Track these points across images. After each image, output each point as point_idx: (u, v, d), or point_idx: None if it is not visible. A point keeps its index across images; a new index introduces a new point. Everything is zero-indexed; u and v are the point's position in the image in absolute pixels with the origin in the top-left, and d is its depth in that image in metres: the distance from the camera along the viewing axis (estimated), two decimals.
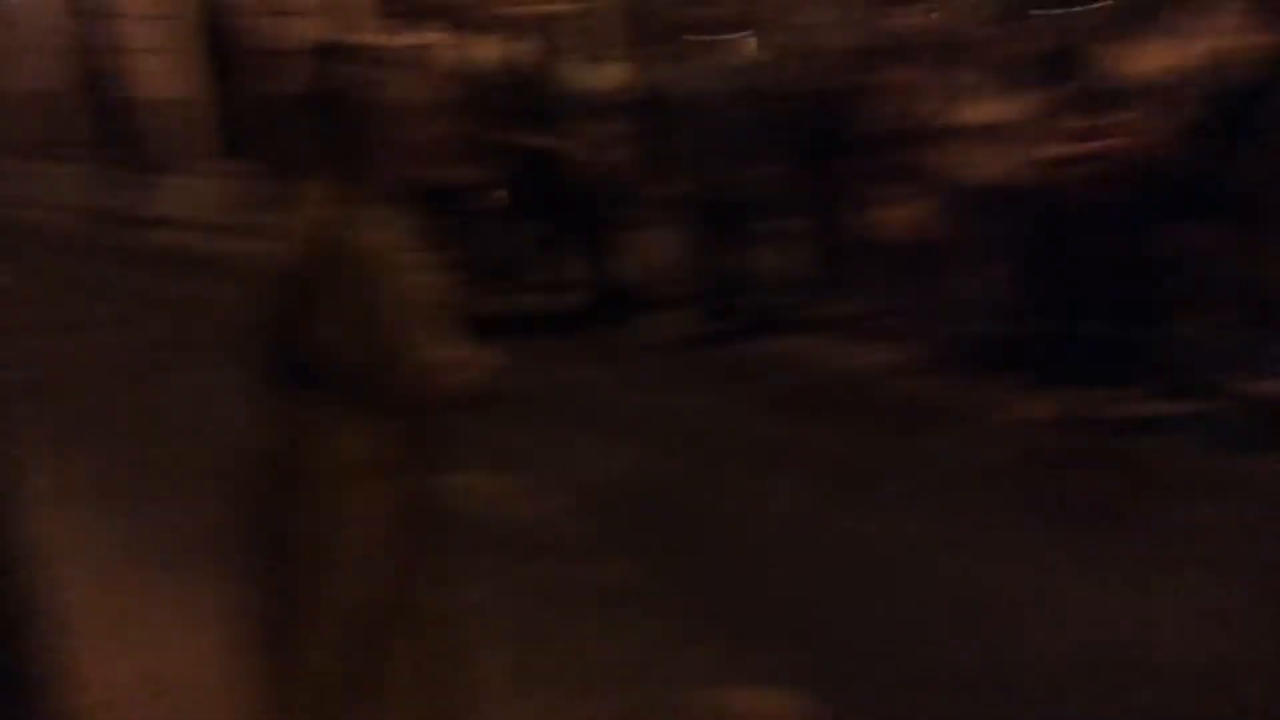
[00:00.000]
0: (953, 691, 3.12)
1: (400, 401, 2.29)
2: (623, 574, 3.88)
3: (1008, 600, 3.60)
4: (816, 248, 6.62)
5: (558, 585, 3.83)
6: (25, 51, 14.56)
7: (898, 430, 5.14)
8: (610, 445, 5.03)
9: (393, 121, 2.32)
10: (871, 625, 3.50)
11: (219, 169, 11.92)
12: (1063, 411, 5.01)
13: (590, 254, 6.81)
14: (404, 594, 2.45)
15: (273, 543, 2.33)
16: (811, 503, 4.40)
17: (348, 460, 2.29)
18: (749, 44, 6.60)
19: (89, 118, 13.30)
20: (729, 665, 3.32)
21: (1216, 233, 4.93)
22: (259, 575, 2.35)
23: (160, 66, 12.22)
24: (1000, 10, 5.66)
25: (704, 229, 6.27)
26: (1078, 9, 5.47)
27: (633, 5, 8.95)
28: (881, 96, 5.55)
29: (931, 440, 4.99)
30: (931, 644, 3.37)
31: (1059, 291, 5.05)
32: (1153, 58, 4.82)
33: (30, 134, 14.66)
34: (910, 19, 5.69)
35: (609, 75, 6.61)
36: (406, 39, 7.04)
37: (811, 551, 4.00)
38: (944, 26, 5.50)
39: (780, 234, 6.77)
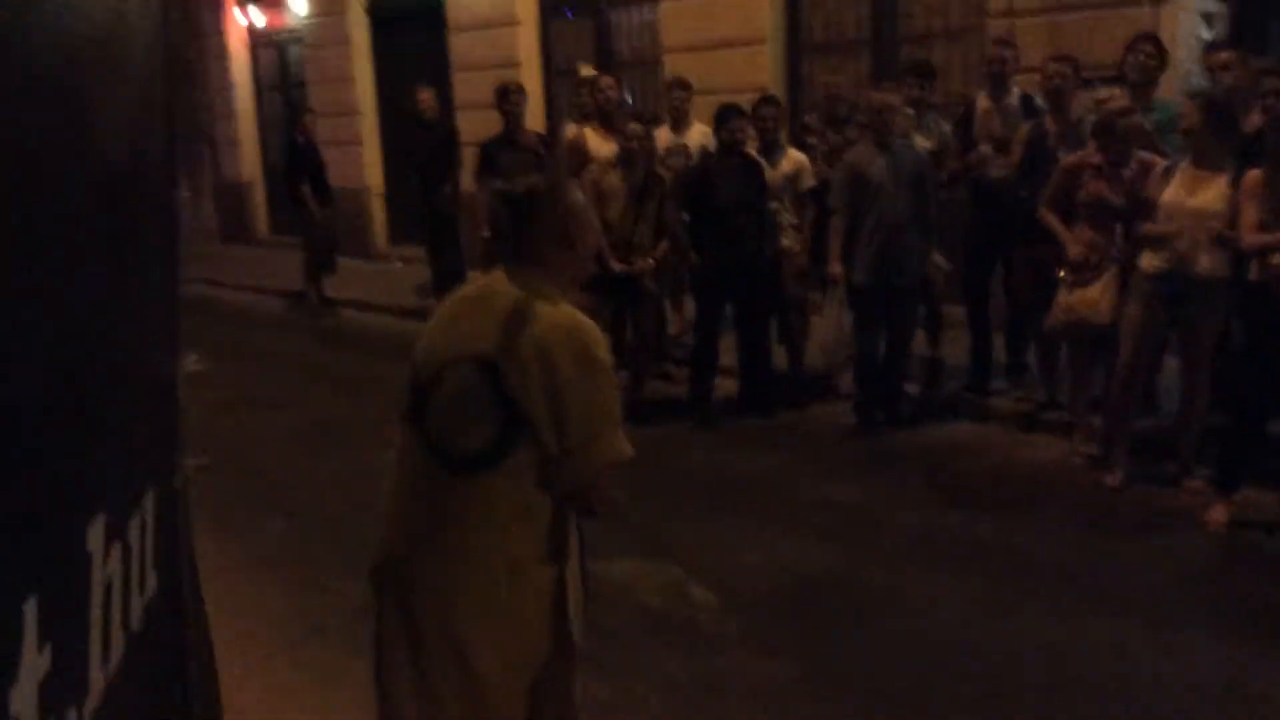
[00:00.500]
0: None
1: (574, 492, 2.34)
2: (785, 669, 3.80)
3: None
4: (992, 335, 6.50)
5: (718, 678, 3.77)
6: (226, 143, 15.65)
7: (1078, 526, 4.92)
8: (774, 536, 4.95)
9: (572, 216, 2.44)
10: None
11: (402, 255, 12.50)
12: (1249, 513, 4.76)
13: (765, 338, 6.79)
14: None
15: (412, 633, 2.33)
16: (983, 601, 4.23)
17: (517, 551, 2.31)
18: (930, 129, 6.54)
19: (281, 205, 14.18)
20: None
21: None
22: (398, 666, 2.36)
23: (346, 158, 12.94)
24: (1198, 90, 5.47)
25: (879, 315, 6.18)
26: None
27: (811, 93, 9.08)
28: (1066, 179, 5.40)
29: (1113, 538, 4.77)
30: None
31: (1252, 389, 4.80)
32: None
33: (228, 219, 15.70)
34: (1090, 103, 5.55)
35: (792, 160, 6.64)
36: (594, 134, 7.30)
37: (981, 651, 3.83)
38: (1124, 109, 5.32)
39: (958, 320, 6.69)
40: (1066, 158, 5.46)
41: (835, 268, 6.25)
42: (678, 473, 5.86)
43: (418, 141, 9.72)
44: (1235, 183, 4.78)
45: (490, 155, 7.71)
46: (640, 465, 6.08)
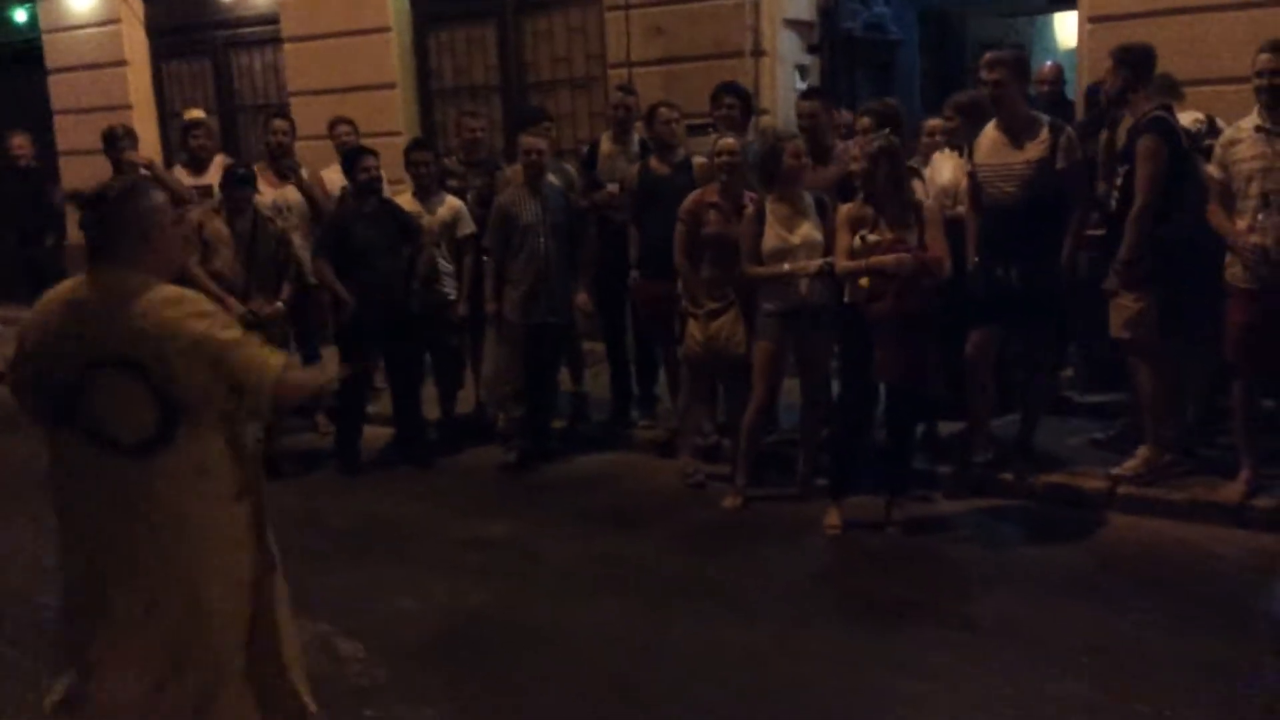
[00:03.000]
0: None
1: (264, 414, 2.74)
2: (436, 715, 3.73)
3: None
4: (629, 368, 6.79)
5: None
6: None
7: (716, 541, 5.19)
8: (427, 579, 4.87)
9: (149, 215, 2.64)
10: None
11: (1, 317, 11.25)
12: (859, 515, 5.24)
13: (415, 386, 6.68)
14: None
15: None
16: (630, 623, 4.36)
17: (209, 504, 2.65)
18: (557, 172, 6.71)
19: None
20: None
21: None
22: None
23: None
24: None
25: (525, 353, 6.27)
26: None
27: (445, 137, 9.09)
28: (689, 218, 5.69)
29: (746, 548, 5.07)
30: None
31: (853, 401, 5.29)
32: None
33: None
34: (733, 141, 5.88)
35: (450, 207, 6.60)
36: None
37: (631, 673, 3.95)
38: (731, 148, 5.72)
39: (598, 357, 6.95)
40: (687, 198, 5.77)
41: (491, 306, 6.32)
42: (325, 524, 5.65)
43: (12, 192, 8.84)
44: (821, 214, 5.30)
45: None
46: (286, 519, 5.80)
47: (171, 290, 2.61)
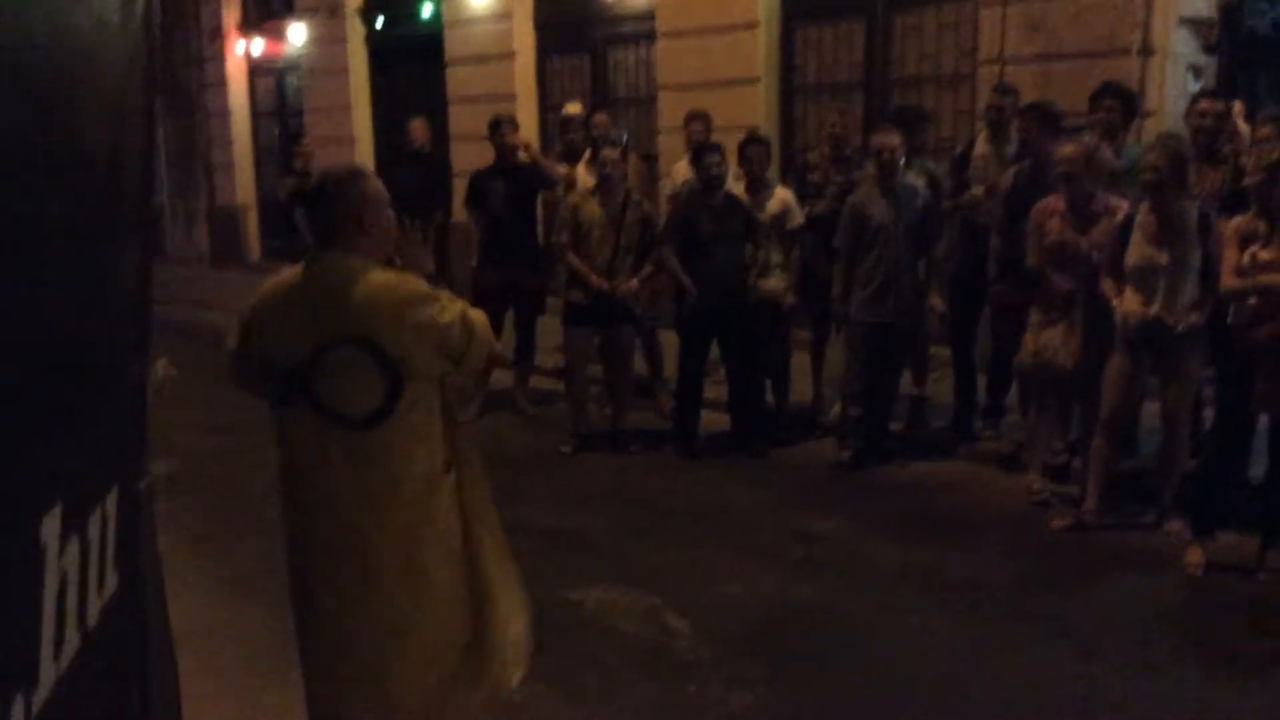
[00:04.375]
0: None
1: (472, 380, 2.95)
2: (754, 699, 3.79)
3: None
4: (974, 375, 6.55)
5: (686, 706, 3.75)
6: (221, 169, 15.73)
7: (1054, 566, 4.93)
8: (753, 567, 4.95)
9: (366, 202, 2.78)
10: None
11: None
12: (1226, 556, 4.78)
13: (754, 376, 6.82)
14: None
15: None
16: (956, 638, 4.23)
17: (426, 468, 2.81)
18: (920, 172, 6.59)
19: (272, 229, 14.24)
20: None
21: None
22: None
23: None
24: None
25: (867, 354, 6.23)
26: None
27: (804, 133, 9.18)
28: (1039, 225, 5.44)
29: (1089, 578, 4.78)
30: None
31: (1227, 432, 4.84)
32: None
33: (221, 244, 15.73)
34: (1073, 148, 5.59)
35: (779, 199, 6.67)
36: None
37: (953, 689, 3.83)
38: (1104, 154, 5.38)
39: (944, 362, 6.75)
40: (1037, 205, 5.51)
41: (838, 305, 6.33)
42: (659, 504, 5.86)
43: (406, 172, 9.77)
44: (1204, 230, 4.85)
45: (479, 185, 7.76)
46: (622, 495, 6.09)
47: (392, 274, 2.77)
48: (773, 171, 7.24)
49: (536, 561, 4.96)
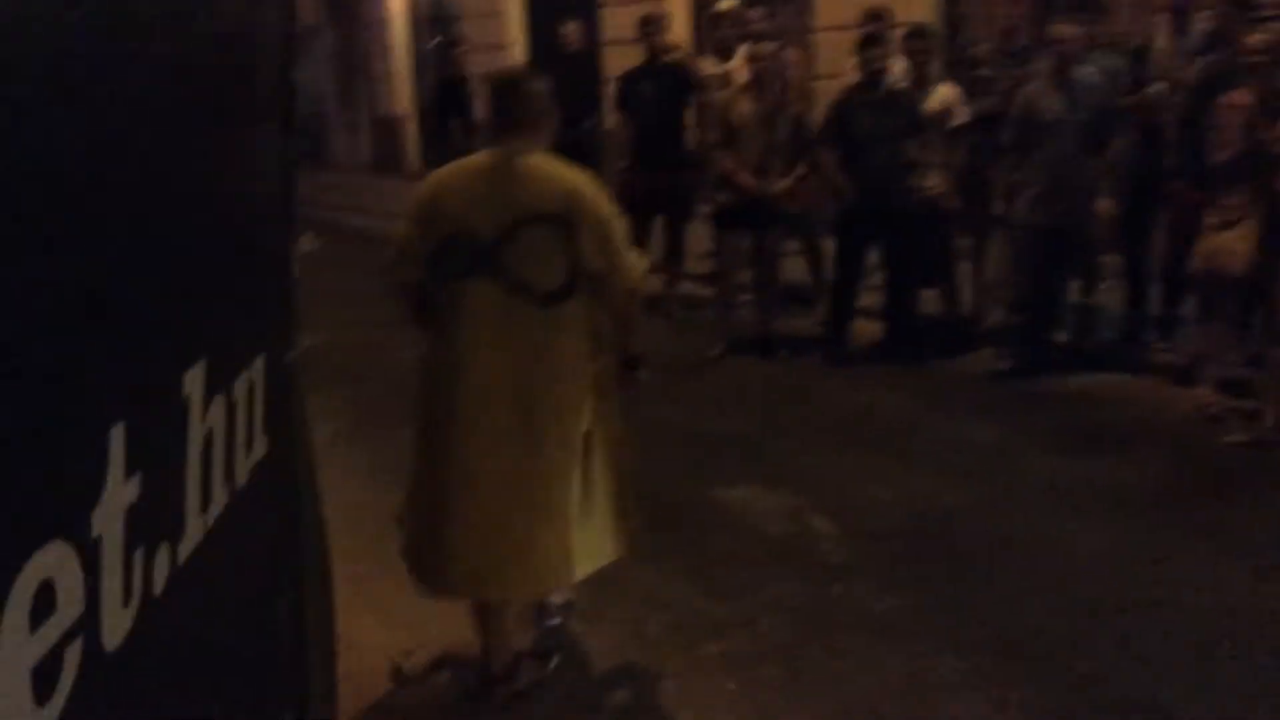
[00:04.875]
0: None
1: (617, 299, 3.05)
2: (899, 603, 3.71)
3: None
4: (1148, 283, 6.19)
5: (830, 606, 3.71)
6: (381, 78, 16.00)
7: (1224, 480, 4.66)
8: (904, 472, 4.83)
9: (547, 95, 3.07)
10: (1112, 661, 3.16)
11: None
12: None
13: (910, 281, 6.59)
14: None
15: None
16: (1114, 550, 4.04)
17: (588, 347, 3.06)
18: (1088, 69, 6.19)
19: (430, 139, 14.45)
20: (998, 710, 3.09)
21: None
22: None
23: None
24: None
25: (1033, 258, 5.94)
26: None
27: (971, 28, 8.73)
28: (1226, 121, 5.05)
29: (1252, 497, 4.50)
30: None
31: None
32: None
33: (382, 152, 16.09)
34: (1262, 37, 5.14)
35: (941, 97, 6.37)
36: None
37: (1108, 601, 3.67)
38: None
39: (1113, 267, 6.39)
40: (1223, 98, 5.10)
41: (1001, 204, 6.03)
42: (810, 409, 5.77)
43: (560, 76, 9.71)
44: None
45: (628, 86, 7.65)
46: (771, 399, 6.01)
47: (569, 167, 2.99)
48: (936, 67, 6.89)
49: (680, 461, 5.00)
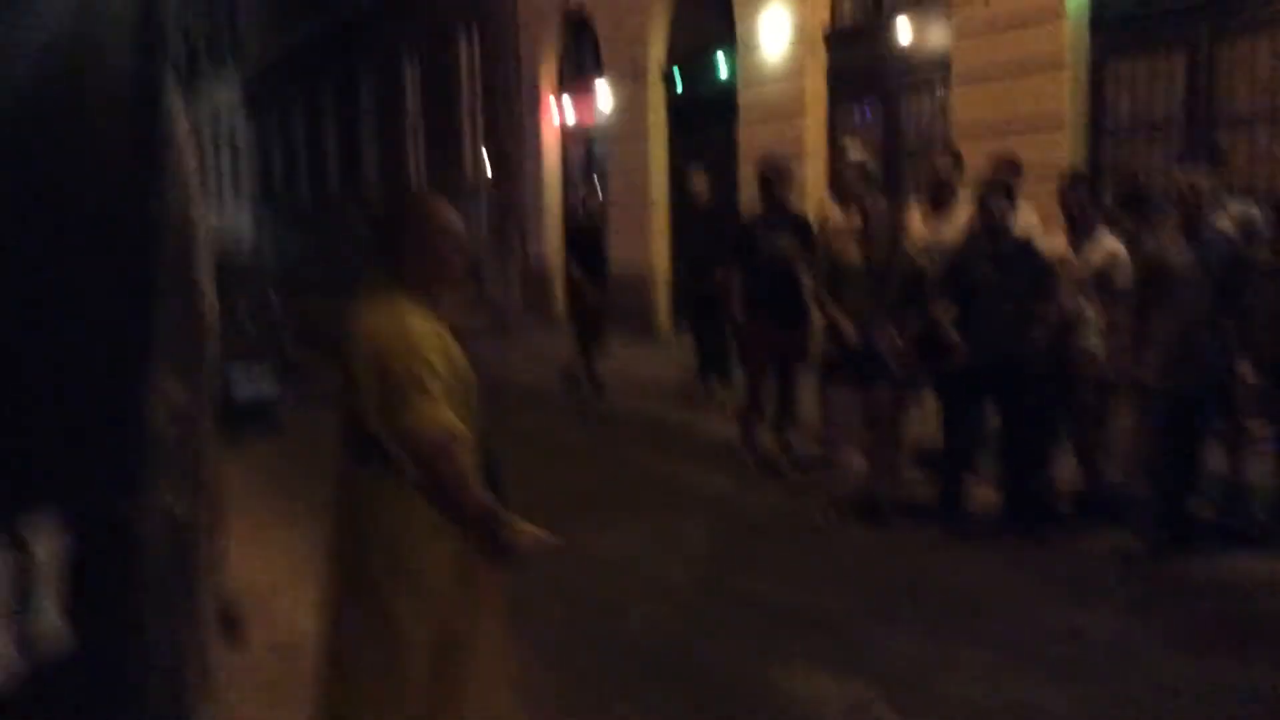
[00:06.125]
0: None
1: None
2: None
3: None
4: None
5: None
6: (535, 233, 16.42)
7: None
8: (1000, 666, 4.28)
9: (440, 234, 2.79)
10: None
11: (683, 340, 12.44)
12: None
13: (1029, 445, 6.02)
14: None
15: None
16: None
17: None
18: (1228, 215, 5.67)
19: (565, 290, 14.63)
20: None
21: None
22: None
23: (636, 245, 13.25)
24: None
25: (1170, 425, 5.35)
26: None
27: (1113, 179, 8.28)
28: None
29: None
30: None
31: None
32: None
33: (531, 303, 16.35)
34: None
35: (1103, 251, 5.88)
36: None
37: None
38: None
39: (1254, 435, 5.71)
40: None
41: (1129, 368, 5.53)
42: (908, 586, 5.24)
43: (690, 227, 9.68)
44: None
45: (747, 234, 7.47)
46: (869, 574, 5.50)
47: (391, 323, 2.82)
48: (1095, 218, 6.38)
49: (748, 637, 4.57)
